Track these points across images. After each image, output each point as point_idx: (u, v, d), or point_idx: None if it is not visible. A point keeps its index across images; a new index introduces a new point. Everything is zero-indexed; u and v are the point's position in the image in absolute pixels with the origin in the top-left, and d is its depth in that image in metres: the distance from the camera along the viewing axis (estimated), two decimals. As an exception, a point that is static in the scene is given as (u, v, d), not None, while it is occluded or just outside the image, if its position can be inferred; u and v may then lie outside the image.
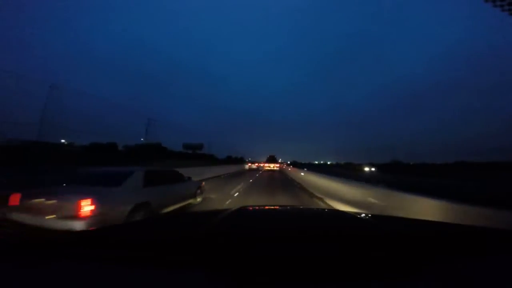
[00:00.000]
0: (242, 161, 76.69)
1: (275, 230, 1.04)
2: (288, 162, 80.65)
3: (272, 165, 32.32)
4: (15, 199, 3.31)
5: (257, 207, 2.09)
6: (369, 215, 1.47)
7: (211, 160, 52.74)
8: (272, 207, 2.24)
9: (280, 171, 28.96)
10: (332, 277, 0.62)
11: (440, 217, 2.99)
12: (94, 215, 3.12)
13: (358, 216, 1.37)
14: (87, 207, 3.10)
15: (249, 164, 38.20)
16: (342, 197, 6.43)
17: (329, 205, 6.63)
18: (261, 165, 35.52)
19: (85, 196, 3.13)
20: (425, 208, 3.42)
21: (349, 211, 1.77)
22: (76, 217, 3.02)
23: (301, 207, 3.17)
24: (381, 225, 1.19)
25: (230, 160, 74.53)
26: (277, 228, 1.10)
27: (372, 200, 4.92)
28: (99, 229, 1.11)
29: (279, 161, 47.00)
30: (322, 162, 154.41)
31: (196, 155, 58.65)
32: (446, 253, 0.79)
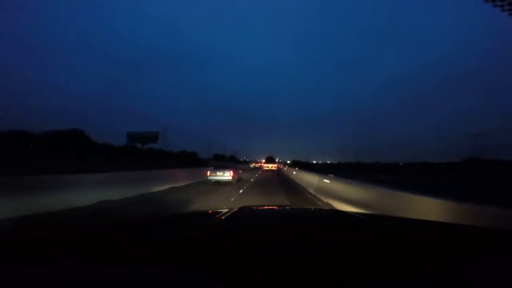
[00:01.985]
0: (233, 160, 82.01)
1: (275, 230, 1.05)
2: (288, 162, 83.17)
3: (270, 165, 35.00)
4: (207, 172, 12.52)
5: (258, 207, 2.28)
6: (369, 215, 1.52)
7: (197, 161, 43.02)
8: (272, 207, 2.29)
9: (278, 169, 33.09)
10: (331, 277, 0.64)
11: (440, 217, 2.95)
12: (233, 175, 12.77)
13: (358, 216, 1.39)
14: (232, 172, 12.79)
15: (254, 164, 57.07)
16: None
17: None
18: (262, 164, 40.51)
19: (231, 169, 12.93)
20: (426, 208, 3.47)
21: (349, 211, 1.83)
22: (230, 176, 12.68)
23: (301, 207, 3.33)
24: (381, 225, 1.21)
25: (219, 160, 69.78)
26: (277, 228, 1.12)
27: None
28: (100, 229, 1.11)
29: (277, 160, 51.28)
30: (320, 162, 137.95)
31: (167, 154, 43.84)
32: (445, 253, 0.81)
